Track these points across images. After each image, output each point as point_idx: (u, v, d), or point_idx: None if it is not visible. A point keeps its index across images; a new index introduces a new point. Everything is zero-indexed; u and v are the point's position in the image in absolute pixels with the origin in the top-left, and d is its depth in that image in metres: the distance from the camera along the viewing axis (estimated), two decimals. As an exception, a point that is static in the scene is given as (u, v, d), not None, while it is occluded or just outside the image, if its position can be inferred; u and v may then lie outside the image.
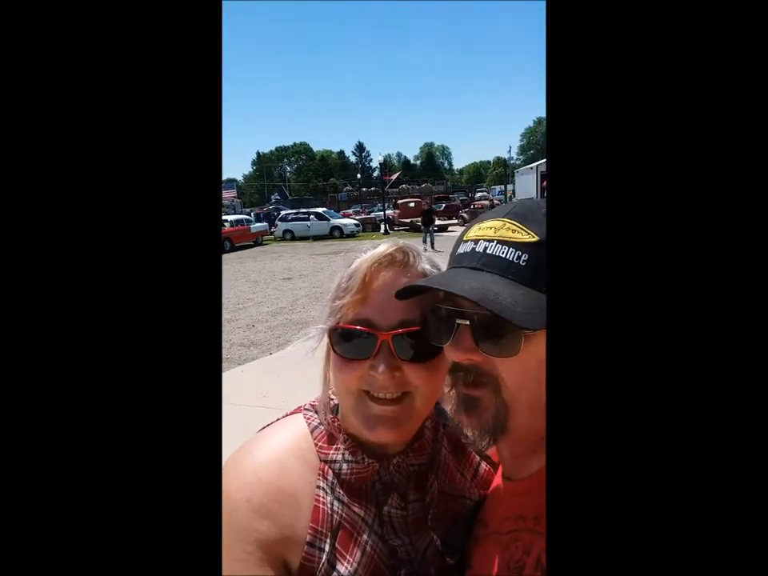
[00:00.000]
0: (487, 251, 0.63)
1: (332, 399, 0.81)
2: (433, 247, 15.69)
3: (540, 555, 0.59)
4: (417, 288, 0.66)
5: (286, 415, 0.83)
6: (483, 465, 0.84)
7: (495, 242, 0.63)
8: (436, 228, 18.16)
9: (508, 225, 0.64)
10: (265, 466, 0.72)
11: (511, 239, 0.62)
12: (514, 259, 0.61)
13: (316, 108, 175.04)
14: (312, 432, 0.77)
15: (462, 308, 0.63)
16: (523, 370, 0.60)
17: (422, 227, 18.06)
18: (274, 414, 0.85)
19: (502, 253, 0.62)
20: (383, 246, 0.74)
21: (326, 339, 0.75)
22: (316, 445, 0.76)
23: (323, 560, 0.69)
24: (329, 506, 0.72)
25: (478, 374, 0.63)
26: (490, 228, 0.65)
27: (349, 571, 0.69)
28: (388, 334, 0.69)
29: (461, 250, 0.67)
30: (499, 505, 0.72)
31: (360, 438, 0.75)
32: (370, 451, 0.75)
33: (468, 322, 0.62)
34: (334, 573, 0.68)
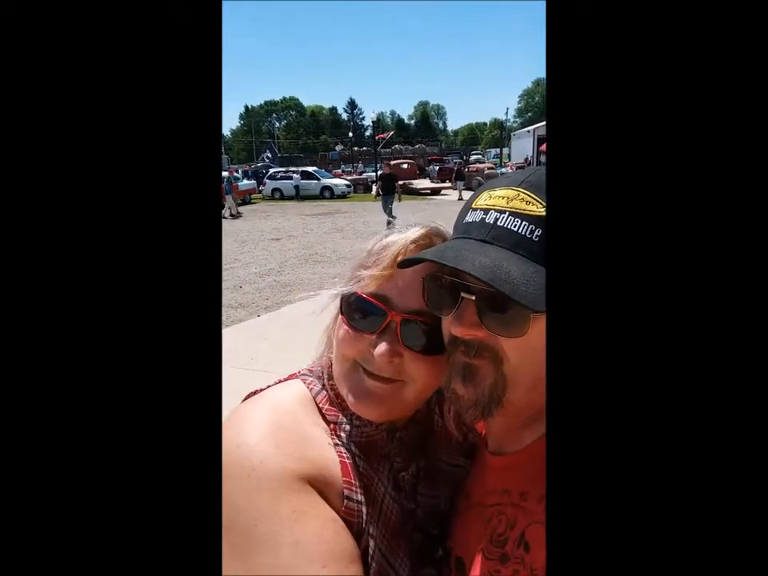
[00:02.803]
0: (498, 223, 0.59)
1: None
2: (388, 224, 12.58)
3: (524, 531, 0.58)
4: (420, 259, 0.62)
5: (279, 382, 0.78)
6: (469, 432, 0.83)
7: (507, 213, 0.59)
8: (398, 192, 13.91)
9: (522, 195, 0.59)
10: (280, 416, 0.67)
11: (524, 211, 0.58)
12: (527, 233, 0.57)
13: (307, 61, 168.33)
14: (315, 397, 0.74)
15: (467, 282, 0.59)
16: (527, 349, 0.58)
17: (380, 196, 13.86)
18: (262, 377, 0.81)
19: (514, 226, 0.58)
20: (422, 229, 0.72)
21: (337, 303, 0.73)
22: (321, 408, 0.73)
23: (363, 513, 0.67)
24: (352, 461, 0.70)
25: (480, 348, 0.60)
26: (502, 197, 0.60)
27: (373, 527, 0.67)
28: (399, 316, 0.67)
29: (469, 218, 0.63)
30: (483, 478, 0.71)
31: None
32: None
33: (474, 297, 0.59)
34: (364, 530, 0.67)
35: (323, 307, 0.76)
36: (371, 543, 0.67)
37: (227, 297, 6.88)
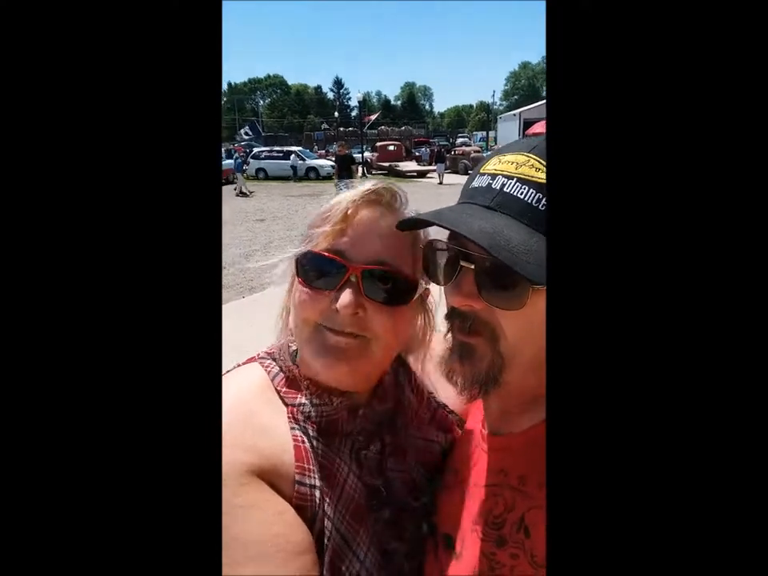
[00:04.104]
0: (504, 189, 0.56)
1: (291, 346, 0.77)
2: None
3: (524, 515, 0.56)
4: (419, 221, 0.60)
5: (238, 366, 0.78)
6: (439, 409, 0.84)
7: (515, 179, 0.56)
8: (356, 176, 12.30)
9: (532, 161, 0.56)
10: (233, 408, 0.66)
11: (533, 178, 0.55)
12: (533, 202, 0.54)
13: (291, 38, 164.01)
14: (273, 380, 0.73)
15: (467, 249, 0.57)
16: (525, 325, 0.56)
17: (335, 179, 12.31)
18: (247, 357, 0.80)
19: (521, 193, 0.55)
20: (371, 183, 0.71)
21: (292, 271, 0.71)
22: (279, 391, 0.72)
23: (317, 497, 0.67)
24: (308, 444, 0.69)
25: (476, 321, 0.58)
26: (512, 163, 0.57)
27: (331, 509, 0.68)
28: (358, 268, 0.65)
29: (475, 183, 0.60)
30: (477, 456, 0.69)
31: (320, 382, 0.72)
32: (336, 397, 0.73)
33: (473, 266, 0.57)
34: (323, 512, 0.67)
35: (282, 275, 0.74)
36: (328, 525, 0.66)
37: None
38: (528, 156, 0.57)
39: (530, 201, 0.55)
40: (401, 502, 0.73)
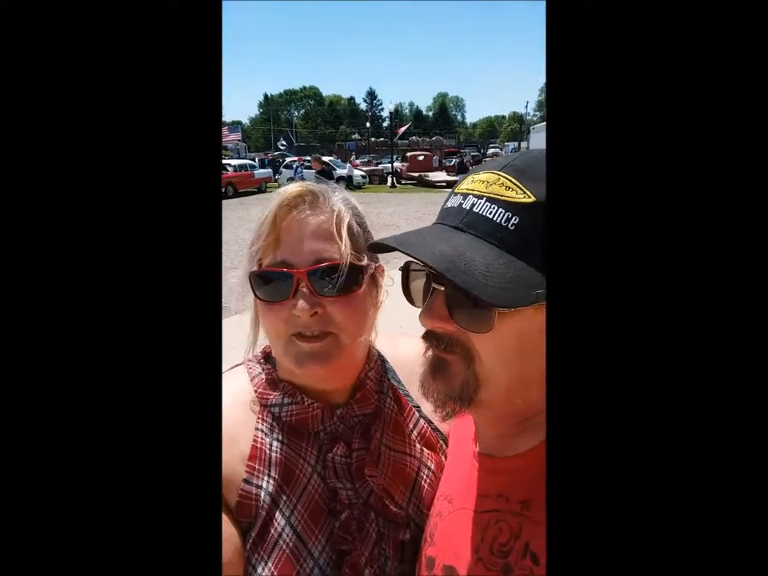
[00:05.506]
0: (474, 209, 0.55)
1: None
2: None
3: (529, 542, 0.54)
4: (384, 245, 0.59)
5: (233, 368, 0.84)
6: (422, 422, 0.84)
7: (485, 198, 0.55)
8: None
9: (503, 180, 0.55)
10: None
11: (502, 197, 0.54)
12: (502, 221, 0.53)
13: (326, 50, 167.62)
14: (252, 380, 0.79)
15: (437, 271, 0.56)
16: (498, 346, 0.55)
17: None
18: None
19: (490, 213, 0.54)
20: (291, 188, 0.72)
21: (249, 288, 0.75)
22: (256, 391, 0.77)
23: (262, 496, 0.70)
24: (267, 445, 0.73)
25: (450, 343, 0.58)
26: (483, 182, 0.56)
27: (289, 508, 0.70)
28: (303, 271, 0.69)
29: (449, 203, 0.60)
30: (471, 479, 0.67)
31: (297, 383, 0.76)
32: (311, 398, 0.76)
33: (443, 288, 0.56)
34: (277, 511, 0.70)
35: (241, 295, 0.76)
36: (281, 522, 0.69)
37: (241, 282, 6.95)
38: (498, 174, 0.56)
39: (498, 221, 0.53)
40: (369, 507, 0.73)
